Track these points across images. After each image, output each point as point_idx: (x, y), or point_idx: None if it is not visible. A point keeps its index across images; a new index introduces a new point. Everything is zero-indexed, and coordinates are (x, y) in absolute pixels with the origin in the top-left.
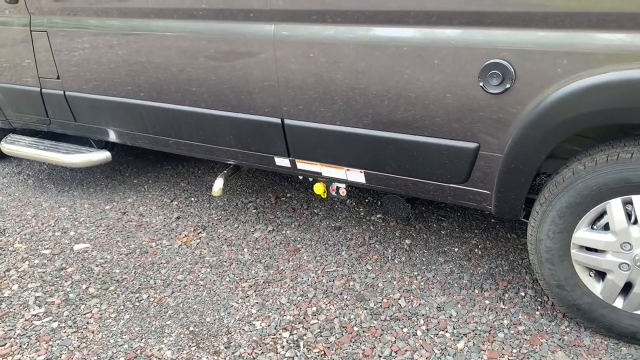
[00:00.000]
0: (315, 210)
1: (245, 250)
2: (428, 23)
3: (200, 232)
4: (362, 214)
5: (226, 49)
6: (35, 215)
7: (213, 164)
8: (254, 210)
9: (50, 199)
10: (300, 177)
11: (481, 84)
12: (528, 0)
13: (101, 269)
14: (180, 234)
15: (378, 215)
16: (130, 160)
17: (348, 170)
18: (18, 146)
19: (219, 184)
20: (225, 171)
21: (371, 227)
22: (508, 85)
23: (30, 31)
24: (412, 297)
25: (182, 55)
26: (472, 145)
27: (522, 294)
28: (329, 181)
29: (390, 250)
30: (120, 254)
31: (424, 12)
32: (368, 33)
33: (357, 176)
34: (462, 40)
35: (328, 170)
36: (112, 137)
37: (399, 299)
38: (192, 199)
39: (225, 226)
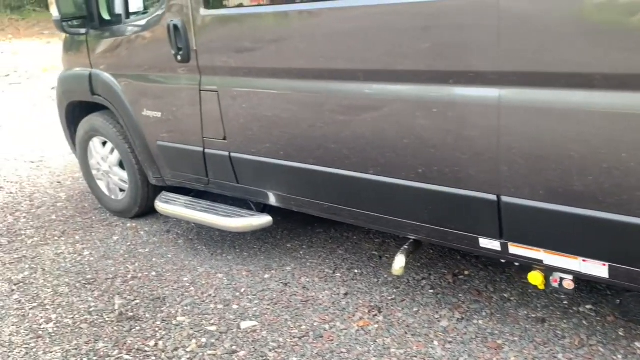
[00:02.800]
0: (505, 295)
1: (436, 343)
2: None
3: (376, 315)
4: (565, 302)
5: (435, 115)
6: (193, 282)
7: (369, 230)
8: (431, 291)
9: (204, 263)
10: (503, 261)
11: None
12: None
13: (276, 354)
14: (353, 316)
15: (587, 306)
16: (279, 221)
17: (584, 261)
18: (174, 206)
19: (400, 262)
20: (405, 246)
21: (584, 322)
22: None
23: (200, 91)
24: None
25: (373, 121)
26: None
27: None
28: (549, 270)
29: (620, 356)
30: (293, 337)
31: None
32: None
33: (596, 269)
34: None
35: (553, 259)
36: (273, 200)
37: None
38: (356, 270)
39: (402, 309)
